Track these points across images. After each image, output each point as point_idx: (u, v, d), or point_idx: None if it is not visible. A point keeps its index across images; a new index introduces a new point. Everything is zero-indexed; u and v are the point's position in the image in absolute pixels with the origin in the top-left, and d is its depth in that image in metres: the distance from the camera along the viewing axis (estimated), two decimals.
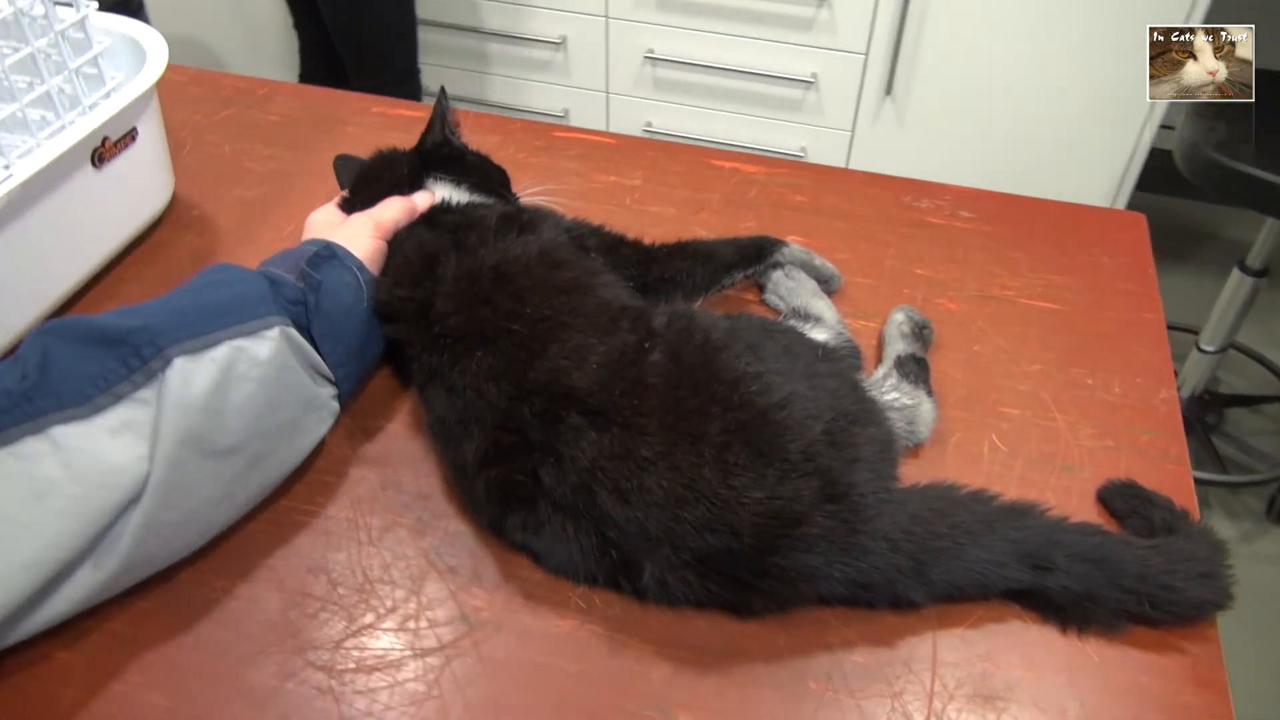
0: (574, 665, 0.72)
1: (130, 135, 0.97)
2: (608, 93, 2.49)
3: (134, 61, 1.03)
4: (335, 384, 0.85)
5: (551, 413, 0.74)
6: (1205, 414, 2.28)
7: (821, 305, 0.94)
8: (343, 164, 1.03)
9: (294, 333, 0.80)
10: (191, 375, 0.73)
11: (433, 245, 0.86)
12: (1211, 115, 1.87)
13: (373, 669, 0.72)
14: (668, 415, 0.73)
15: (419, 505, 0.82)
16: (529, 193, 1.04)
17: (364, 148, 1.01)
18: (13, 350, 0.74)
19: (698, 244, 0.95)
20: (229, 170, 1.17)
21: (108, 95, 0.98)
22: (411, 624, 0.74)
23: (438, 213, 0.92)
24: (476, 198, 0.96)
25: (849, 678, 0.72)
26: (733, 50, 2.32)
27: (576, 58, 2.45)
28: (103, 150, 0.94)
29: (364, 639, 0.73)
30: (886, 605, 0.74)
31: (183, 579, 0.77)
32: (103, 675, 0.71)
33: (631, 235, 0.95)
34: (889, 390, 0.86)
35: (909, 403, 0.85)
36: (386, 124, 1.25)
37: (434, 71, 2.52)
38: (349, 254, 0.87)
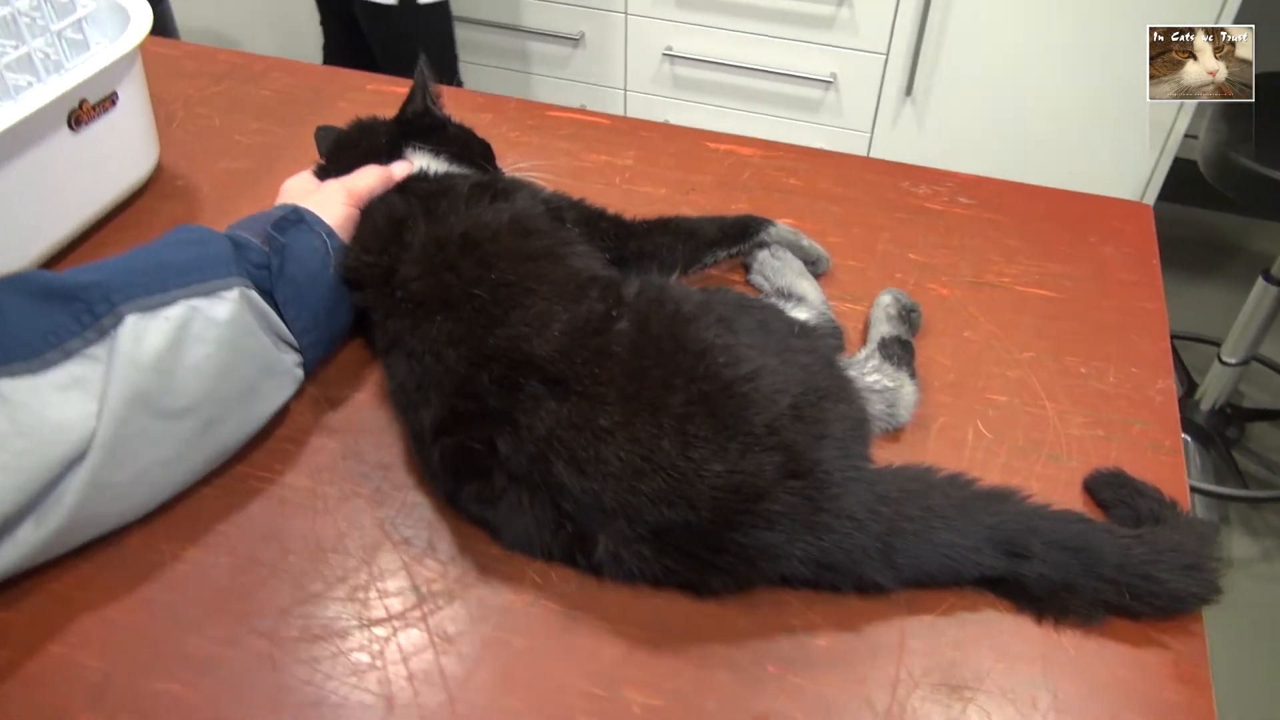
0: (523, 640, 0.70)
1: (110, 99, 0.96)
2: (625, 90, 2.47)
3: (121, 27, 1.02)
4: (300, 351, 0.83)
5: (510, 380, 0.72)
6: (1227, 428, 2.22)
7: (806, 285, 0.91)
8: (324, 134, 1.01)
9: (255, 295, 0.78)
10: (144, 333, 0.71)
11: (402, 211, 0.84)
12: (1236, 118, 1.82)
13: (317, 638, 0.69)
14: (629, 385, 0.70)
15: (379, 475, 0.80)
16: (514, 168, 1.02)
17: None
18: None
19: (680, 220, 0.93)
20: (217, 142, 1.16)
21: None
22: (361, 594, 0.72)
23: (412, 181, 0.90)
24: (456, 169, 0.94)
25: (811, 663, 0.69)
26: (752, 48, 2.29)
27: (595, 54, 2.43)
28: (80, 113, 0.92)
29: (311, 607, 0.71)
30: (852, 589, 0.71)
31: (130, 542, 0.75)
32: (41, 636, 0.69)
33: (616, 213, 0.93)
34: (870, 372, 0.83)
35: (890, 385, 0.82)
36: (380, 100, 1.23)
37: None
38: (319, 220, 0.85)
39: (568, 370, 0.71)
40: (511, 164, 1.02)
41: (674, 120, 2.44)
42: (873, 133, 2.32)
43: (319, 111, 1.20)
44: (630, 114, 2.49)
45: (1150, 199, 2.19)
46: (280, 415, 0.83)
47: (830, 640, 0.70)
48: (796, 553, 0.68)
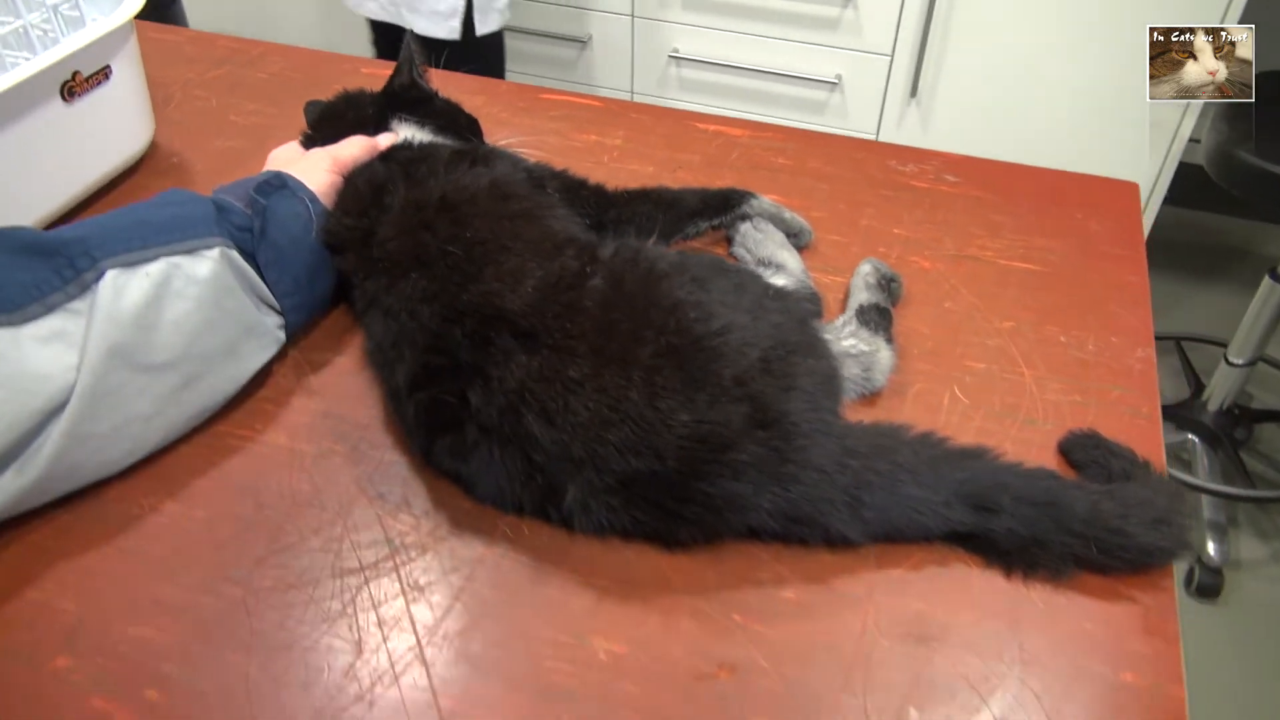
0: (493, 591, 0.70)
1: (103, 72, 0.98)
2: (632, 92, 2.48)
3: (116, 6, 1.03)
4: (281, 314, 0.84)
5: (482, 334, 0.72)
6: (1234, 429, 2.21)
7: (786, 255, 0.92)
8: (312, 108, 1.02)
9: (236, 256, 0.79)
10: (124, 288, 0.72)
11: (383, 176, 0.86)
12: (1236, 117, 1.82)
13: (290, 586, 0.70)
14: (599, 338, 0.71)
15: (356, 435, 0.81)
16: (502, 143, 1.03)
17: None
18: None
19: (662, 190, 0.94)
20: (213, 122, 1.17)
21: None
22: (334, 545, 0.73)
23: (396, 149, 0.91)
24: (441, 140, 0.95)
25: (777, 613, 0.69)
26: (757, 50, 2.30)
27: (602, 56, 2.45)
28: (73, 84, 0.94)
29: (284, 558, 0.72)
30: (821, 542, 0.71)
31: (109, 495, 0.76)
32: (18, 582, 0.70)
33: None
34: (847, 337, 0.84)
35: (866, 349, 0.83)
36: (375, 84, 1.23)
37: None
38: (301, 185, 0.86)
39: (539, 324, 0.72)
40: (500, 140, 1.03)
41: None
42: (878, 134, 2.32)
43: (314, 93, 1.20)
44: None
45: (1156, 202, 2.19)
46: (261, 376, 0.84)
47: (798, 592, 0.70)
48: (764, 503, 0.69)
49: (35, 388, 0.68)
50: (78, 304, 0.71)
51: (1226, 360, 2.12)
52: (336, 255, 0.85)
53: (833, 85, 2.28)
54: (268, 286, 0.82)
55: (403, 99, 0.97)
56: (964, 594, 0.70)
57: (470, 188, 0.82)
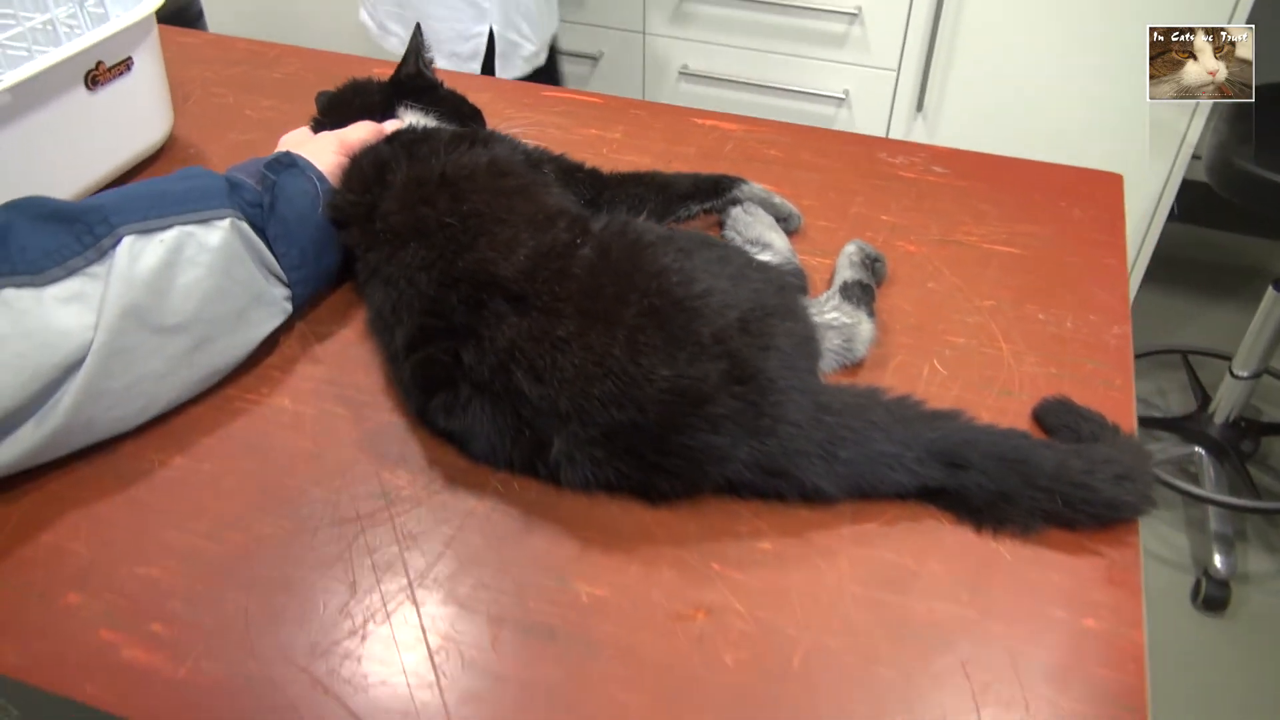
0: (482, 539, 0.73)
1: (125, 64, 1.02)
2: None
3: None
4: (289, 285, 0.88)
5: (476, 298, 0.76)
6: (1241, 442, 2.22)
7: (774, 235, 0.95)
8: (322, 97, 1.07)
9: (245, 227, 0.83)
10: (140, 253, 0.77)
11: (387, 156, 0.90)
12: (1236, 122, 1.85)
13: (290, 533, 0.74)
14: (585, 300, 0.75)
15: (358, 400, 0.85)
16: (504, 131, 1.07)
17: None
18: None
19: (655, 174, 0.98)
20: (229, 117, 1.22)
21: None
22: (333, 497, 0.76)
23: (400, 133, 0.95)
24: (445, 126, 0.99)
25: (754, 562, 0.72)
26: (766, 66, 2.35)
27: (612, 73, 2.50)
28: (97, 73, 0.99)
29: (286, 508, 0.76)
30: (797, 496, 0.74)
31: (123, 450, 0.80)
32: (34, 527, 0.74)
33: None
34: (829, 310, 0.87)
35: (848, 321, 0.86)
36: None
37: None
38: (310, 164, 0.90)
39: (529, 289, 0.76)
40: (501, 128, 1.07)
41: None
42: None
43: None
44: None
45: (1160, 217, 2.21)
46: (268, 346, 0.88)
47: (775, 544, 0.73)
48: (741, 455, 0.72)
49: (56, 343, 0.73)
50: (96, 268, 0.75)
51: (1231, 373, 2.13)
52: (341, 230, 0.89)
53: (840, 100, 2.32)
54: (276, 259, 0.86)
55: (409, 87, 1.01)
56: (935, 547, 0.73)
57: (469, 165, 0.86)
